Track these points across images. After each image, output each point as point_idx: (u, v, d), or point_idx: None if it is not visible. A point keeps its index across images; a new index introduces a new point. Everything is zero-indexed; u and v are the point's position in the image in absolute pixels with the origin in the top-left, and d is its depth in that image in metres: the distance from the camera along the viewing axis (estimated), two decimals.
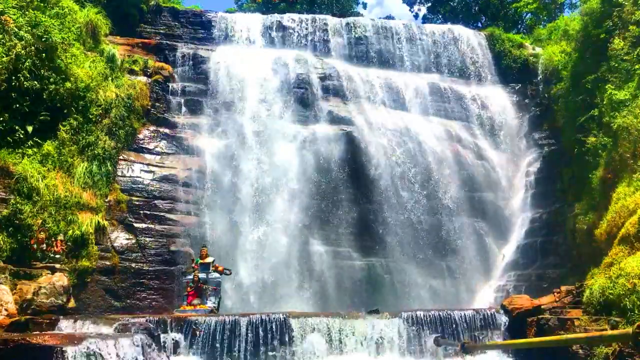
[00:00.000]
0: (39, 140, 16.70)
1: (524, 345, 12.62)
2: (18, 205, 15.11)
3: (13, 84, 16.01)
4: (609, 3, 18.14)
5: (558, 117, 21.91)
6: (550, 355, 12.04)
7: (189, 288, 16.12)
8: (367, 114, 23.00)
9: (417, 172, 21.96)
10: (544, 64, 25.15)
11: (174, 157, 20.35)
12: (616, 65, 17.18)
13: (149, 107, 20.80)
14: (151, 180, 19.40)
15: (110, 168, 18.39)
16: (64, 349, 10.06)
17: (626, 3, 17.58)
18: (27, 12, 16.93)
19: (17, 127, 16.18)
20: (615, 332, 10.56)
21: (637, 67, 16.44)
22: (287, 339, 13.19)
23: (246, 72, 22.64)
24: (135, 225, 18.41)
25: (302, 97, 22.77)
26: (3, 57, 15.79)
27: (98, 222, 17.09)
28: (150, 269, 17.99)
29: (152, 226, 18.65)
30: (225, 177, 20.42)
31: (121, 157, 19.31)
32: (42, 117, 16.81)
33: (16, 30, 16.29)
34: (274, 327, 13.23)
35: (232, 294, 18.57)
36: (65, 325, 12.48)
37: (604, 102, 16.91)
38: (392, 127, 22.84)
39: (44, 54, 16.84)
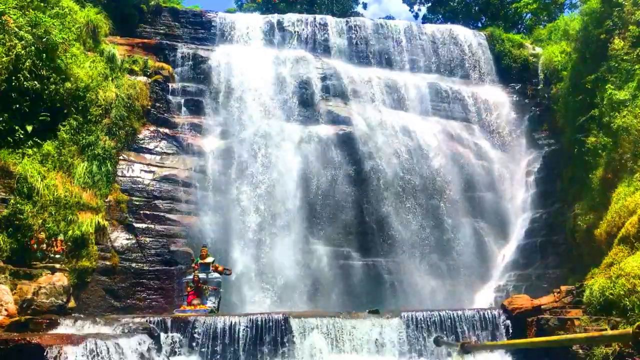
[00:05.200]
0: (39, 140, 16.70)
1: (524, 345, 12.62)
2: (18, 205, 15.10)
3: (13, 84, 16.01)
4: (609, 3, 18.14)
5: (558, 117, 21.92)
6: (550, 355, 12.05)
7: (189, 288, 16.11)
8: (367, 114, 23.02)
9: (417, 172, 21.97)
10: (544, 64, 25.18)
11: (174, 157, 20.35)
12: (616, 65, 17.18)
13: (149, 107, 20.81)
14: (151, 180, 19.40)
15: (110, 168, 18.38)
16: (64, 349, 10.08)
17: (626, 3, 17.58)
18: (27, 12, 16.93)
19: (17, 127, 16.17)
20: (615, 332, 10.58)
21: (637, 67, 16.46)
22: (287, 339, 13.18)
23: (246, 72, 22.65)
24: (135, 225, 18.41)
25: (302, 97, 22.79)
26: (3, 57, 15.79)
27: (98, 222, 17.07)
28: (150, 269, 17.98)
29: (152, 226, 18.64)
30: (225, 177, 20.42)
31: (121, 157, 19.32)
32: (42, 117, 16.81)
33: (16, 30, 16.29)
34: (273, 327, 13.22)
35: (233, 294, 18.55)
36: (65, 325, 12.48)
37: (604, 102, 16.91)
38: (392, 127, 22.85)
39: (44, 54, 16.85)
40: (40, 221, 15.39)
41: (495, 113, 25.09)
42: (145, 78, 21.28)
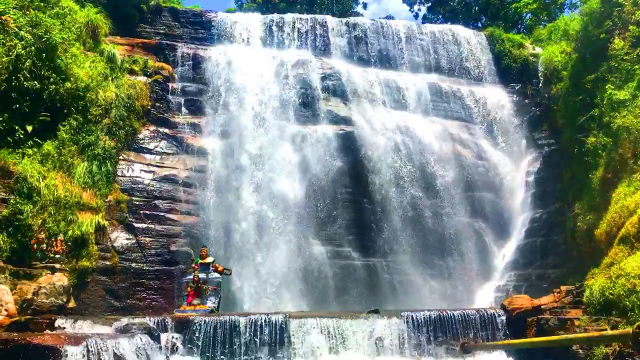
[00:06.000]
0: (39, 140, 16.70)
1: (524, 345, 12.62)
2: (18, 205, 15.11)
3: (13, 84, 16.01)
4: (609, 3, 18.14)
5: (558, 117, 21.91)
6: (550, 355, 12.04)
7: (189, 288, 16.13)
8: (367, 113, 23.02)
9: (417, 172, 21.97)
10: (544, 64, 25.16)
11: (174, 157, 20.35)
12: (616, 65, 17.18)
13: (149, 107, 20.81)
14: (151, 180, 19.40)
15: (110, 168, 18.38)
16: (64, 349, 10.08)
17: (626, 3, 17.58)
18: (27, 12, 16.92)
19: (17, 127, 16.17)
20: (615, 332, 10.57)
21: (637, 67, 16.45)
22: (286, 340, 13.19)
23: (246, 72, 22.66)
24: (135, 225, 18.41)
25: (302, 97, 22.78)
26: (3, 57, 15.80)
27: (98, 222, 17.08)
28: (150, 269, 17.99)
29: (152, 226, 18.64)
30: (225, 177, 20.42)
31: (121, 157, 19.32)
32: (42, 117, 16.82)
33: (16, 30, 16.29)
34: (273, 327, 13.22)
35: (233, 294, 18.56)
36: (65, 325, 12.48)
37: (604, 102, 16.91)
38: (392, 127, 22.86)
39: (44, 54, 16.84)
40: (40, 221, 15.39)
41: (495, 113, 25.09)
42: (145, 78, 21.28)
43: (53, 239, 15.31)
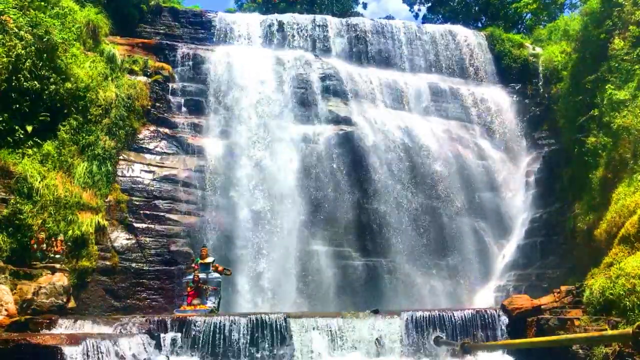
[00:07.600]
0: (39, 140, 16.70)
1: (524, 345, 12.62)
2: (18, 205, 15.11)
3: (13, 84, 16.01)
4: (609, 3, 18.14)
5: (558, 117, 21.91)
6: (550, 355, 12.04)
7: (189, 288, 16.11)
8: (367, 113, 23.02)
9: (417, 172, 21.98)
10: (544, 64, 25.20)
11: (174, 157, 20.36)
12: (616, 65, 17.18)
13: (149, 107, 20.82)
14: (151, 180, 19.41)
15: (110, 168, 18.39)
16: (64, 349, 10.09)
17: (626, 3, 17.58)
18: (27, 12, 16.93)
19: (17, 127, 16.17)
20: (615, 332, 10.57)
21: (637, 67, 16.45)
22: (286, 340, 13.18)
23: (246, 72, 22.65)
24: (135, 225, 18.42)
25: (302, 97, 22.79)
26: (3, 57, 15.79)
27: (98, 222, 17.09)
28: (150, 269, 17.99)
29: (152, 226, 18.65)
30: (225, 177, 20.42)
31: (121, 157, 19.32)
32: (42, 117, 16.82)
33: (16, 30, 16.29)
34: (273, 327, 13.22)
35: (233, 294, 18.57)
36: (65, 325, 12.48)
37: (604, 102, 16.90)
38: (392, 127, 22.86)
39: (44, 54, 16.84)
40: (40, 221, 15.39)
41: (495, 113, 25.11)
42: (145, 78, 21.29)
43: (53, 239, 15.31)
